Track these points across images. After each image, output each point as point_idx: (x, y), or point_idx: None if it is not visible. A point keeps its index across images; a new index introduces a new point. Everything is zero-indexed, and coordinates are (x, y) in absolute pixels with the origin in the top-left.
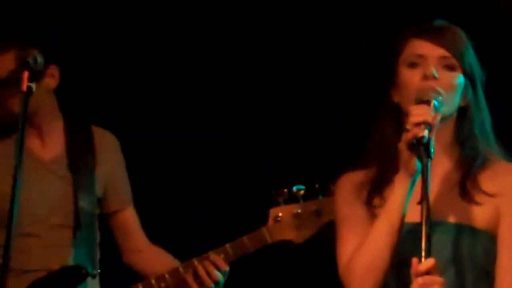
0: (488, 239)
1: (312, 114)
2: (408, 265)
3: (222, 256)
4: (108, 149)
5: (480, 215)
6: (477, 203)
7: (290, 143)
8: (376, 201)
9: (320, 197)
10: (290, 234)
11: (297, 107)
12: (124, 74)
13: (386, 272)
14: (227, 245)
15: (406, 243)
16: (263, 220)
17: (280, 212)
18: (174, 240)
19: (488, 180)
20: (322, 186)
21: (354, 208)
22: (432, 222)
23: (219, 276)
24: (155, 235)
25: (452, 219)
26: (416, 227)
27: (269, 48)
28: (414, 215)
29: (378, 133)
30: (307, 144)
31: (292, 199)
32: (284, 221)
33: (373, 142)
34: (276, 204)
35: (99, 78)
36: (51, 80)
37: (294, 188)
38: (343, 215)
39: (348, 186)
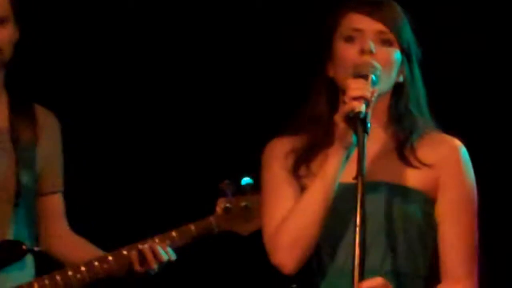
0: (423, 200)
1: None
2: (340, 221)
3: (167, 242)
4: (49, 129)
5: (415, 176)
6: (414, 167)
7: (240, 134)
8: (302, 170)
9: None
10: (236, 226)
11: (250, 97)
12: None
13: (314, 242)
14: (173, 231)
15: (339, 201)
16: (211, 210)
17: (228, 203)
18: (118, 227)
19: (425, 149)
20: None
21: (282, 174)
22: (366, 183)
23: (164, 256)
24: (101, 223)
25: (385, 179)
26: (349, 186)
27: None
28: (346, 175)
29: (312, 105)
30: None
31: (240, 191)
32: (231, 213)
33: (305, 112)
34: (225, 195)
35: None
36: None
37: (243, 181)
38: (269, 181)
39: (276, 152)
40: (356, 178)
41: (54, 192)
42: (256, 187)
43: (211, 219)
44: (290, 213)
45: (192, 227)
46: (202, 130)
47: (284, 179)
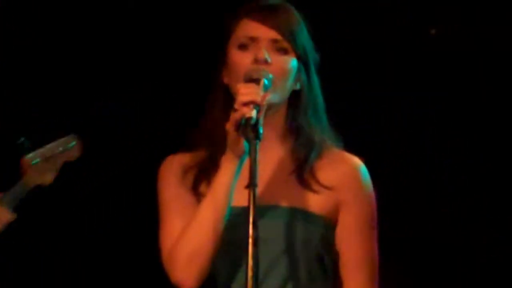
0: (324, 225)
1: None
2: (236, 247)
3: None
4: None
5: (316, 201)
6: (314, 191)
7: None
8: (202, 187)
9: (52, 143)
10: (40, 179)
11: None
12: None
13: (212, 257)
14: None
15: (234, 227)
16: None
17: (31, 158)
18: None
19: (324, 170)
20: (52, 133)
21: (179, 191)
22: (265, 206)
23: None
24: None
25: (285, 203)
26: (245, 210)
27: None
28: (242, 199)
29: (208, 115)
30: None
31: (29, 147)
32: (37, 166)
33: (202, 124)
34: (25, 152)
35: None
36: None
37: (22, 139)
38: (166, 198)
39: (173, 168)
40: (248, 187)
41: None
42: (42, 141)
43: (27, 177)
44: (185, 229)
45: (17, 188)
46: None
47: (182, 196)
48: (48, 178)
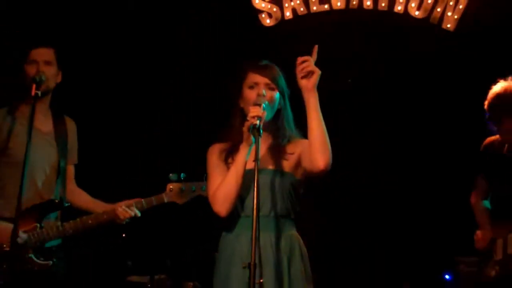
0: (292, 178)
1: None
2: (246, 190)
3: (138, 205)
4: (72, 130)
5: (287, 164)
6: (285, 159)
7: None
8: (229, 160)
9: (194, 181)
10: (176, 199)
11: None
12: None
13: (236, 198)
14: (143, 200)
15: (246, 178)
16: (163, 189)
17: (172, 186)
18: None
19: (291, 147)
20: (196, 175)
21: (218, 162)
22: (261, 169)
23: (132, 213)
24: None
25: (270, 167)
26: (251, 171)
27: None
28: (250, 166)
29: (232, 123)
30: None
31: (180, 180)
32: (174, 191)
33: (228, 127)
34: (170, 181)
35: None
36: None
37: (182, 175)
38: (211, 166)
39: (215, 150)
40: (254, 160)
41: (71, 163)
42: (187, 178)
43: (163, 194)
44: (221, 183)
45: (153, 198)
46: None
47: (219, 166)
48: (183, 200)
